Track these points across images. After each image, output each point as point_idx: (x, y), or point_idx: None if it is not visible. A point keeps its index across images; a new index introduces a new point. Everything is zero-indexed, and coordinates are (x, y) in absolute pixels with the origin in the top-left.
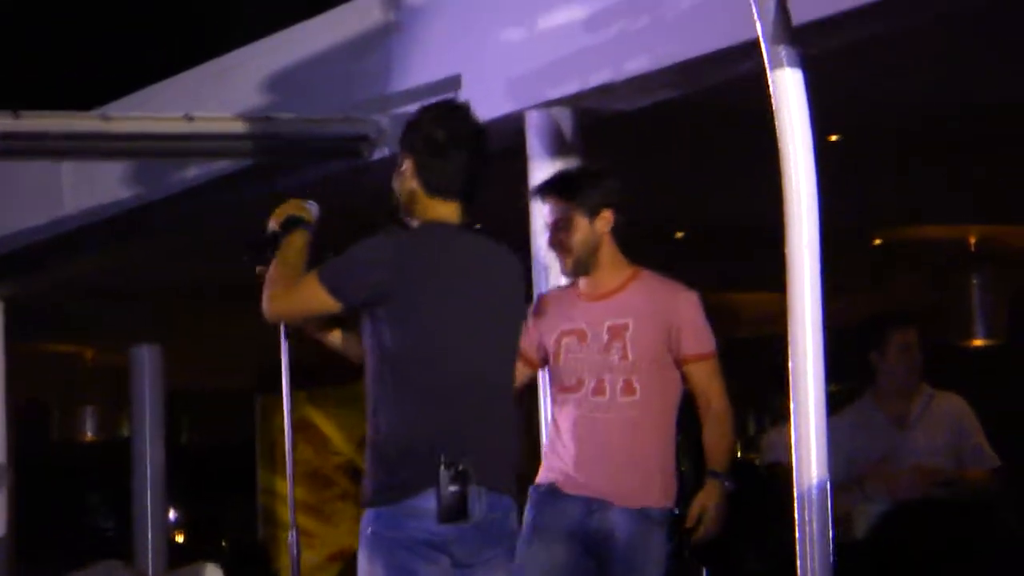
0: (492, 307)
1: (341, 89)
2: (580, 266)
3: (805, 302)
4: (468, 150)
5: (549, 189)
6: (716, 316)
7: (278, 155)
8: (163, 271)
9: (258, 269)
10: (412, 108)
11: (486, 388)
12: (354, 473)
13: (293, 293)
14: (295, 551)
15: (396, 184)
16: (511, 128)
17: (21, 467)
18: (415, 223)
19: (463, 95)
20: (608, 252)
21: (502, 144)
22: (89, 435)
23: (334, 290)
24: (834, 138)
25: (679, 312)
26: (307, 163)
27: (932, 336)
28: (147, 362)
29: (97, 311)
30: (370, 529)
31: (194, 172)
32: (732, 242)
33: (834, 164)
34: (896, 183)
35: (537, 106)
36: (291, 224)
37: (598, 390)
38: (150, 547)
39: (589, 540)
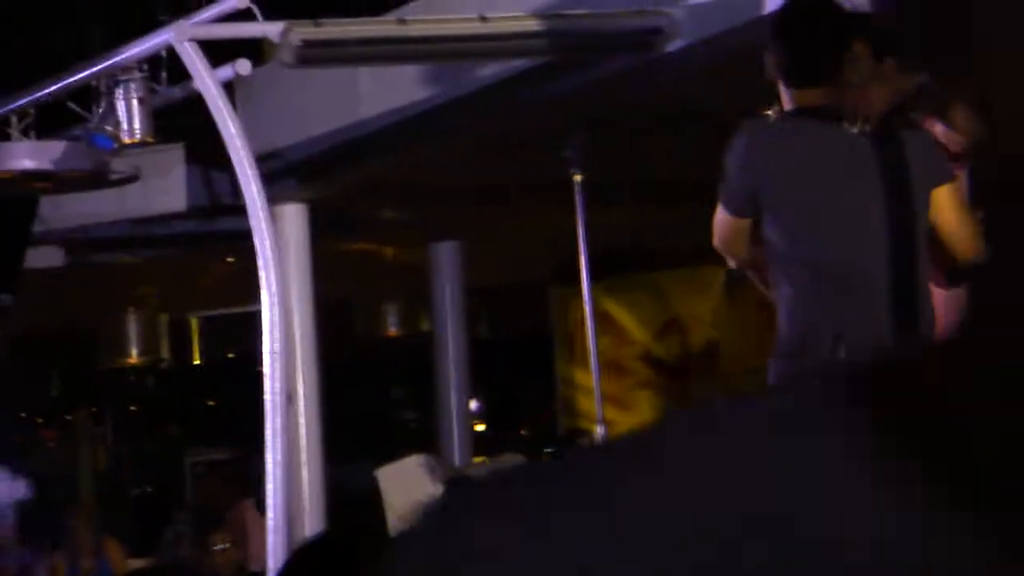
0: (873, 191)
1: None
2: None
3: None
4: (796, 34)
5: None
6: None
7: (571, 51)
8: (459, 169)
9: None
10: None
11: (876, 276)
12: (651, 362)
13: (715, 226)
14: None
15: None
16: None
17: (327, 364)
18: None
19: None
20: None
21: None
22: (392, 331)
23: (730, 207)
24: None
25: None
26: (601, 59)
27: None
28: (448, 258)
29: (395, 210)
30: None
31: (489, 71)
32: None
33: None
34: None
35: None
36: None
37: None
38: (455, 439)
39: None
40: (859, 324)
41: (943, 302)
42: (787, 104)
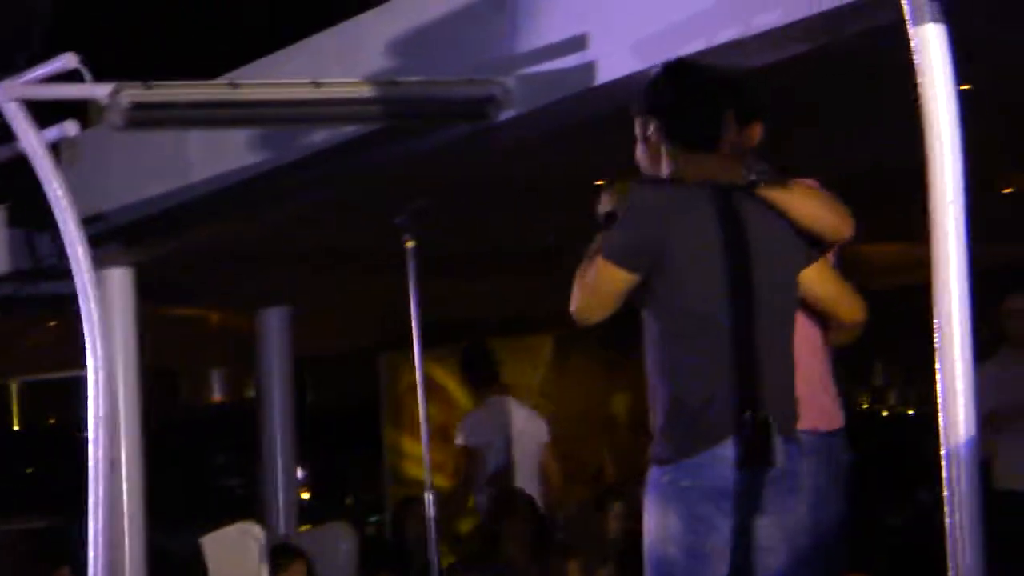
0: (760, 252)
1: (466, 51)
2: None
3: (950, 257)
4: (693, 99)
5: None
6: (844, 267)
7: (405, 119)
8: (289, 235)
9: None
10: (538, 69)
11: (769, 338)
12: None
13: (588, 286)
14: (432, 512)
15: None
16: (639, 87)
17: (152, 430)
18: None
19: (590, 54)
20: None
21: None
22: (216, 397)
23: (623, 262)
24: (964, 87)
25: None
26: (433, 126)
27: None
28: (276, 324)
29: (224, 276)
30: (667, 479)
31: (321, 137)
32: (860, 193)
33: (964, 113)
34: None
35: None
36: (612, 220)
37: None
38: (280, 506)
39: None
40: (760, 394)
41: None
42: (670, 169)
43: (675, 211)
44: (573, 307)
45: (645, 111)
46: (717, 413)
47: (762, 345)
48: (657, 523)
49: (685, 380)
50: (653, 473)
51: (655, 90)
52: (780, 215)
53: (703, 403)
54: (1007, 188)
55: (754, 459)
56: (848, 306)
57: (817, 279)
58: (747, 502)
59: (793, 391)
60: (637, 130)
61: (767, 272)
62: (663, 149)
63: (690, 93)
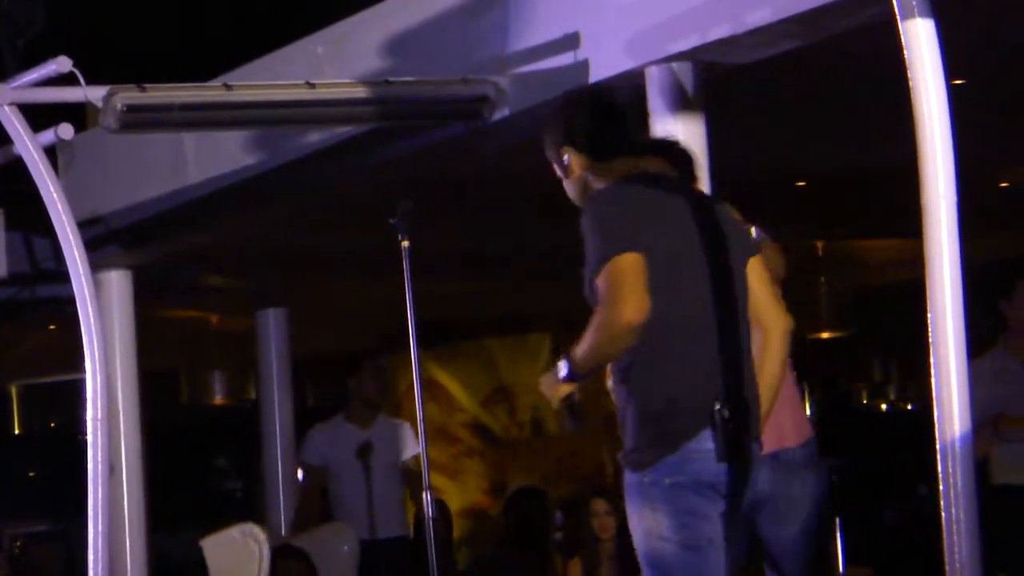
0: (713, 242)
1: (460, 51)
2: None
3: (943, 252)
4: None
5: None
6: (840, 264)
7: (398, 119)
8: (286, 236)
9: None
10: (531, 68)
11: (729, 339)
12: (478, 429)
13: (617, 293)
14: (430, 511)
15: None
16: (632, 85)
17: (152, 432)
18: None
19: (582, 53)
20: None
21: (623, 101)
22: (217, 399)
23: (634, 245)
24: (958, 82)
25: None
26: (427, 126)
27: None
28: (273, 325)
29: (222, 277)
30: (648, 479)
31: (315, 138)
32: (853, 190)
33: (959, 107)
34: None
35: (657, 61)
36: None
37: None
38: (282, 508)
39: None
40: (728, 386)
41: None
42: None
43: (645, 206)
44: (624, 318)
45: (559, 145)
46: (685, 409)
47: (720, 337)
48: (646, 524)
49: (652, 381)
50: (631, 478)
51: (564, 120)
52: (723, 206)
53: (668, 402)
54: (1003, 182)
55: (730, 451)
56: (768, 314)
57: (753, 274)
58: (729, 493)
59: (752, 388)
60: (558, 171)
61: (720, 262)
62: (580, 171)
63: (602, 111)
